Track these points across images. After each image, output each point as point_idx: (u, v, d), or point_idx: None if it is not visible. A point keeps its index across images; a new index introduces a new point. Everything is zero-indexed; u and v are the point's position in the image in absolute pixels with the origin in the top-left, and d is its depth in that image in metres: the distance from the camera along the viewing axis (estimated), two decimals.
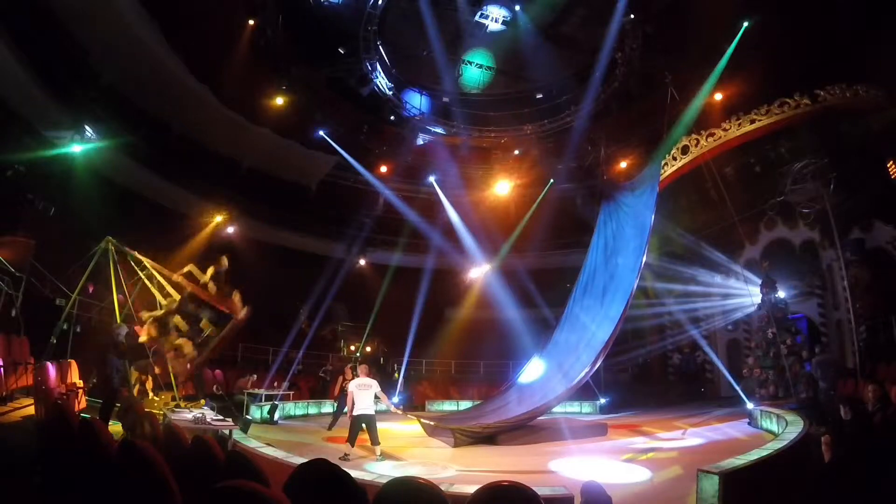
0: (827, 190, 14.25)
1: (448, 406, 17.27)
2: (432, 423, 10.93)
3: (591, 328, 12.11)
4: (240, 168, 20.68)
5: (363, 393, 8.19)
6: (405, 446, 9.63)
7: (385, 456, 8.29)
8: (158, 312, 10.13)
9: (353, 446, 8.00)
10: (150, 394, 9.80)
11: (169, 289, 10.48)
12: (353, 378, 9.17)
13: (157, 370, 10.07)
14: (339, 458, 7.55)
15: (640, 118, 20.19)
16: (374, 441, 8.11)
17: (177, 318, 10.15)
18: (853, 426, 5.10)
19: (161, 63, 16.21)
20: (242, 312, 10.66)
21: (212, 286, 10.69)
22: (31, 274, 11.39)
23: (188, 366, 10.21)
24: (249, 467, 2.69)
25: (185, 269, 10.90)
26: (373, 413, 8.20)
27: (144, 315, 10.13)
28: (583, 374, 10.83)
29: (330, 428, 11.44)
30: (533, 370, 13.18)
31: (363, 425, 8.12)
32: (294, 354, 17.73)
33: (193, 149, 18.78)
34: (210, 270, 10.58)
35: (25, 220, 13.00)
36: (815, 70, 14.21)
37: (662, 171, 16.90)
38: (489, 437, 9.84)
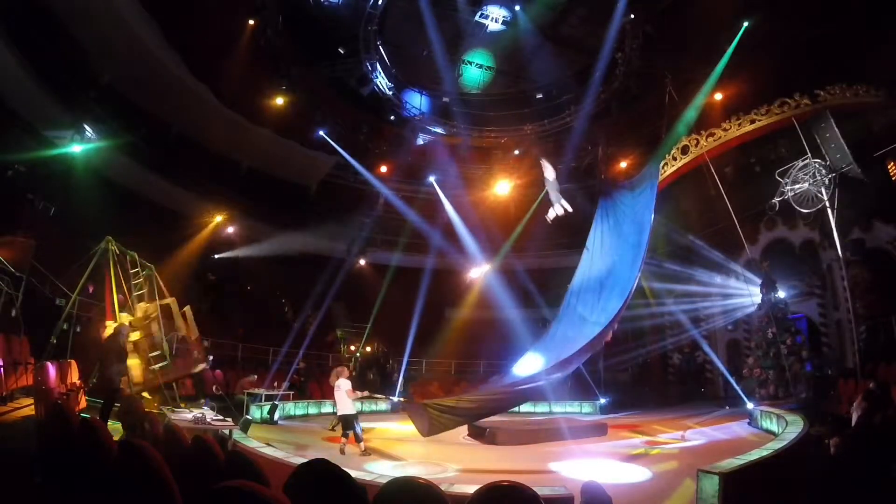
0: (827, 190, 14.24)
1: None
2: (412, 403, 10.64)
3: (589, 321, 12.10)
4: (240, 168, 20.67)
5: (337, 394, 8.77)
6: (405, 446, 9.63)
7: (374, 452, 8.57)
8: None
9: (345, 440, 8.49)
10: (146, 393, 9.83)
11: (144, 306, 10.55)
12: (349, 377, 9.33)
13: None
14: (338, 452, 8.10)
15: (640, 118, 20.20)
16: (357, 439, 8.44)
17: (140, 338, 10.18)
18: (859, 423, 5.11)
19: (161, 63, 16.19)
20: (199, 367, 10.75)
21: (186, 329, 10.84)
22: (31, 274, 11.38)
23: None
24: (249, 467, 2.68)
25: (165, 301, 11.01)
26: (349, 413, 8.56)
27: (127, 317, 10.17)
28: (572, 354, 10.76)
29: (332, 428, 11.44)
30: (528, 363, 13.13)
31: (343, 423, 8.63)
32: (294, 354, 17.71)
33: (193, 149, 18.77)
34: (187, 311, 10.76)
35: (25, 220, 12.99)
36: (815, 70, 14.21)
37: (662, 171, 16.90)
38: (467, 416, 9.66)
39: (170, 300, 11.22)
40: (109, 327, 9.78)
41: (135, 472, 2.26)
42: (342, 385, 8.78)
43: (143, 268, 11.27)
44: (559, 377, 11.32)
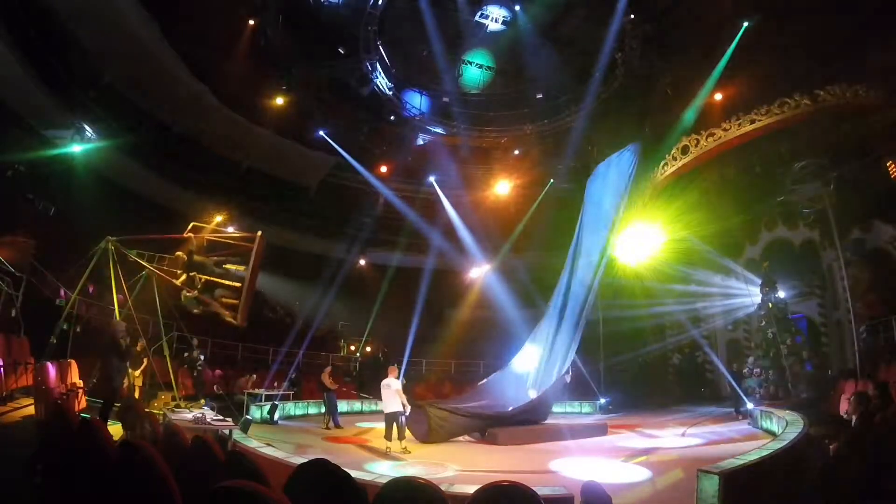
0: (827, 190, 14.25)
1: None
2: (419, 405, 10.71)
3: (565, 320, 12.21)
4: (240, 168, 20.68)
5: (385, 392, 8.82)
6: (405, 446, 9.62)
7: (375, 451, 8.65)
8: (182, 277, 10.11)
9: (389, 440, 8.56)
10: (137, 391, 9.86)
11: (181, 253, 10.48)
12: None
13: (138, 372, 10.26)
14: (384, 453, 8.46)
15: (640, 118, 20.19)
16: (399, 436, 8.60)
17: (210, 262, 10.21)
18: (858, 425, 5.11)
19: (161, 63, 16.20)
20: (257, 239, 10.53)
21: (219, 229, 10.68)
22: (31, 274, 11.38)
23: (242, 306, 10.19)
24: (249, 467, 2.68)
25: (189, 227, 10.94)
26: (395, 410, 8.64)
27: (177, 282, 10.12)
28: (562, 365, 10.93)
29: (326, 427, 11.52)
30: (526, 357, 13.19)
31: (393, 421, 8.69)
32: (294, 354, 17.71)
33: (193, 149, 18.77)
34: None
35: (25, 220, 13.00)
36: (815, 70, 14.21)
37: (662, 171, 16.94)
38: (467, 425, 9.93)
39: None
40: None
41: (135, 472, 2.26)
42: (392, 384, 8.85)
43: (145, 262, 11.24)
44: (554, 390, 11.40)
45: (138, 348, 9.87)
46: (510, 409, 10.69)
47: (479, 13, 20.65)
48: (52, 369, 8.05)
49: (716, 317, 19.03)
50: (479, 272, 22.92)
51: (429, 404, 9.96)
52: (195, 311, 10.37)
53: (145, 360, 10.60)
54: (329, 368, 12.76)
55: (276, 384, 14.11)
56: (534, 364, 12.44)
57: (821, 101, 13.92)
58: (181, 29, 16.04)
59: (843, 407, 8.68)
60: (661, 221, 18.02)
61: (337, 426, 11.53)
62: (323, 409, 12.53)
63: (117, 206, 14.88)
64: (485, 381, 12.92)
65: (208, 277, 10.16)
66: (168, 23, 15.80)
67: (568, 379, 11.69)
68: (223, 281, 10.20)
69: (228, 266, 10.41)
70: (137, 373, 10.35)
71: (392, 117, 22.71)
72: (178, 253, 10.41)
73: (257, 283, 11.50)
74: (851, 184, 14.07)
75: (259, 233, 10.79)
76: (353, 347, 22.47)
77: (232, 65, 17.66)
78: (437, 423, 9.52)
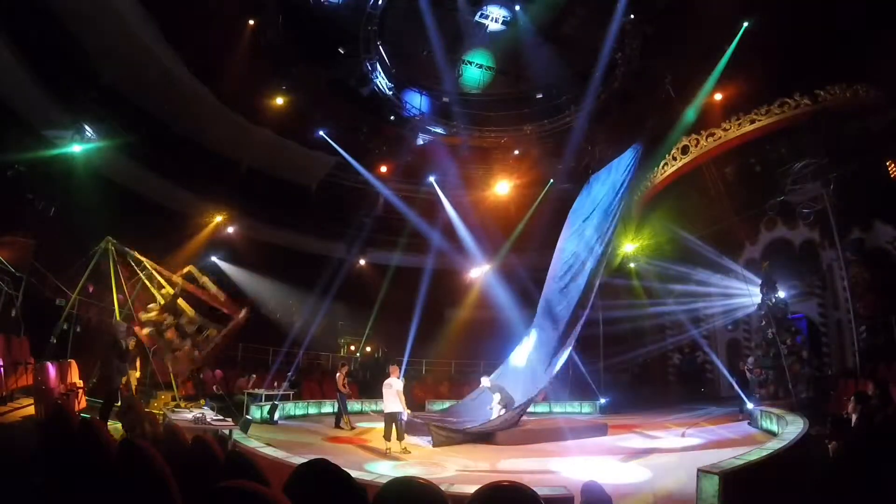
0: (827, 190, 14.26)
1: (448, 406, 17.23)
2: (417, 419, 10.69)
3: (563, 303, 12.15)
4: (240, 168, 20.66)
5: (387, 391, 8.86)
6: (405, 446, 9.62)
7: (374, 451, 8.66)
8: (152, 314, 10.34)
9: (389, 441, 8.56)
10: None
11: (167, 287, 10.67)
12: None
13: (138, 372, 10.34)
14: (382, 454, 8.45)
15: (640, 118, 20.19)
16: (399, 436, 8.64)
17: (186, 318, 10.45)
18: (858, 425, 5.12)
19: (161, 63, 16.18)
20: (242, 313, 10.93)
21: (210, 285, 10.96)
22: (31, 274, 11.38)
23: (188, 365, 10.40)
24: (249, 467, 2.68)
25: (185, 270, 11.14)
26: (394, 411, 8.68)
27: (142, 316, 10.28)
28: (560, 358, 10.93)
29: (350, 427, 11.56)
30: (522, 351, 13.20)
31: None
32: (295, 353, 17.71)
33: (193, 149, 18.75)
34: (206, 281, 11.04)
35: (25, 220, 13.00)
36: (815, 70, 14.21)
37: (662, 171, 16.94)
38: (469, 435, 9.94)
39: (188, 268, 11.48)
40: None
41: (135, 472, 2.26)
42: (394, 384, 8.85)
43: (142, 266, 11.28)
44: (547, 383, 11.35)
45: (130, 346, 9.89)
46: (502, 414, 10.71)
47: (479, 13, 20.63)
48: (52, 369, 8.06)
49: (716, 317, 19.03)
50: (479, 272, 22.93)
51: (432, 423, 9.93)
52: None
53: (138, 360, 10.61)
54: (346, 369, 12.61)
55: (276, 384, 14.11)
56: (525, 361, 12.48)
57: (821, 101, 13.94)
58: (181, 29, 16.02)
59: (844, 407, 8.69)
60: (660, 221, 18.05)
61: (337, 426, 11.57)
62: (337, 409, 12.56)
63: (117, 206, 14.85)
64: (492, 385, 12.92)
65: (177, 326, 10.43)
66: (168, 22, 15.80)
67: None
68: (191, 336, 10.52)
69: (206, 330, 10.84)
70: (137, 373, 10.36)
71: (392, 117, 22.68)
72: (168, 290, 10.65)
73: (254, 292, 11.90)
74: (851, 184, 14.07)
75: (245, 309, 11.18)
76: (353, 347, 22.48)
77: (232, 65, 17.65)
78: (438, 440, 9.54)
